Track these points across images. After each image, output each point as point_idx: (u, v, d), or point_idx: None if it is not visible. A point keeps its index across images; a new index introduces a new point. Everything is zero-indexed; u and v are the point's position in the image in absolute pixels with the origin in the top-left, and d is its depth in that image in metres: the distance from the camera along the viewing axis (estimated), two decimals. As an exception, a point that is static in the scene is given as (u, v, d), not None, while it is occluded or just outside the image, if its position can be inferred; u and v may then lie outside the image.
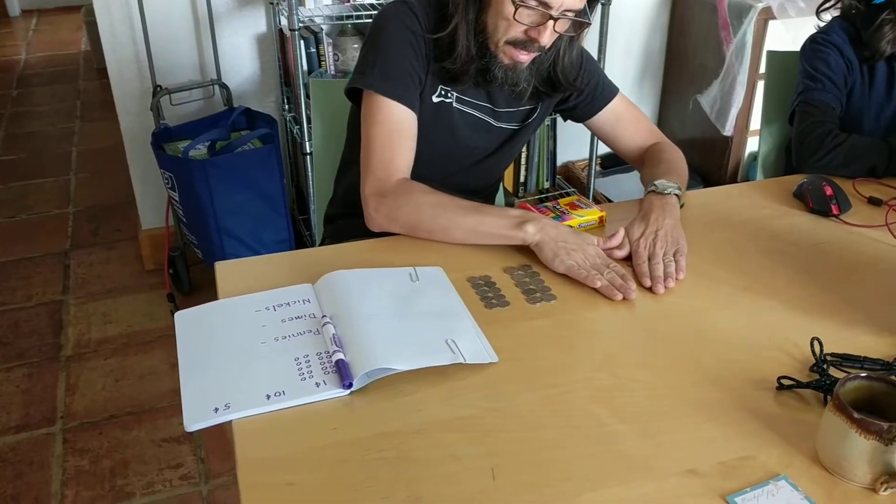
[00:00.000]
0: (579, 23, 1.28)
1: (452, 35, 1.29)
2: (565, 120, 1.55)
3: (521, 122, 1.46)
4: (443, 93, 1.37)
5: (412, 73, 1.31)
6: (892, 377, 0.88)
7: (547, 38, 1.25)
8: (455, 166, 1.46)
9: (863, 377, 0.88)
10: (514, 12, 1.22)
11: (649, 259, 1.21)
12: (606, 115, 1.50)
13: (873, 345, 1.06)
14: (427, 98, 1.36)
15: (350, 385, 0.95)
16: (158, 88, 2.41)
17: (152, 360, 2.31)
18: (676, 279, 1.19)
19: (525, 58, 1.29)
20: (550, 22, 1.23)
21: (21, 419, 2.09)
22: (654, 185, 1.33)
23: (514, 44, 1.27)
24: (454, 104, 1.39)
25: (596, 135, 1.55)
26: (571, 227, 1.27)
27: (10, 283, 2.69)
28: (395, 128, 1.30)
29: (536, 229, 1.21)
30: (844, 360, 1.02)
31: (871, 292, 1.18)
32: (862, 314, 1.13)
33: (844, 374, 0.94)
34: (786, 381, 0.98)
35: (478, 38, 1.30)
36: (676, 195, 1.32)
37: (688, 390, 0.98)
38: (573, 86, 1.42)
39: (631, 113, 1.52)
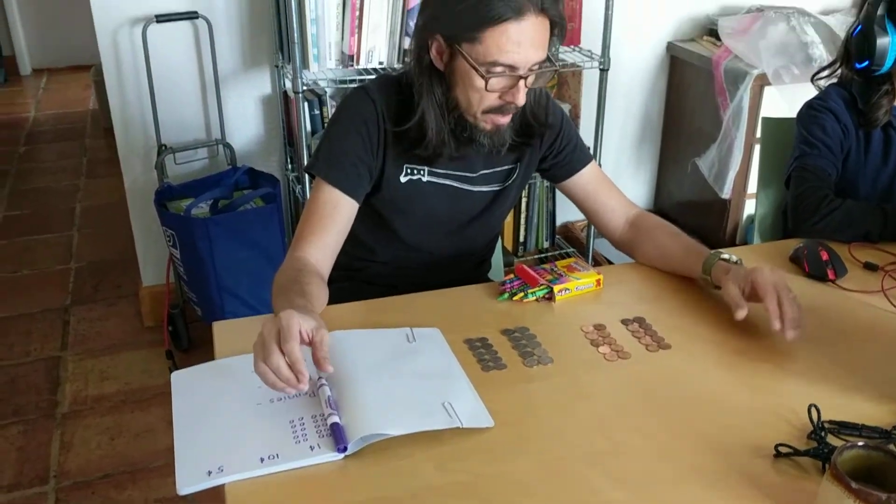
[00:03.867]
0: (547, 70, 1.30)
1: (420, 122, 1.31)
2: (544, 180, 1.56)
3: (501, 183, 1.48)
4: (409, 171, 1.39)
5: (357, 162, 1.34)
6: (891, 446, 0.88)
7: (522, 98, 1.26)
8: (440, 235, 1.48)
9: (860, 446, 0.88)
10: (486, 84, 1.24)
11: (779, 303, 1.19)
12: (584, 178, 1.51)
13: (871, 412, 1.05)
14: (394, 180, 1.39)
15: (345, 449, 0.95)
16: (163, 147, 2.45)
17: (149, 418, 2.29)
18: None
19: (505, 120, 1.31)
20: (521, 81, 1.25)
21: (14, 478, 2.07)
22: (722, 255, 1.32)
23: (492, 111, 1.29)
24: (425, 178, 1.41)
25: (573, 199, 1.54)
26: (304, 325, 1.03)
27: (8, 339, 2.68)
28: (321, 210, 1.33)
29: (272, 322, 1.02)
30: (842, 427, 1.02)
31: (868, 358, 1.18)
32: (859, 380, 1.12)
33: (842, 442, 0.94)
34: (783, 449, 0.97)
35: (452, 114, 1.32)
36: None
37: (684, 455, 0.97)
38: (545, 125, 1.42)
39: (608, 181, 1.54)
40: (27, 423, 2.27)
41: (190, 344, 2.58)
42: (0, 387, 2.43)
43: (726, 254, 1.33)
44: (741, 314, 1.20)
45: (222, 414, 1.02)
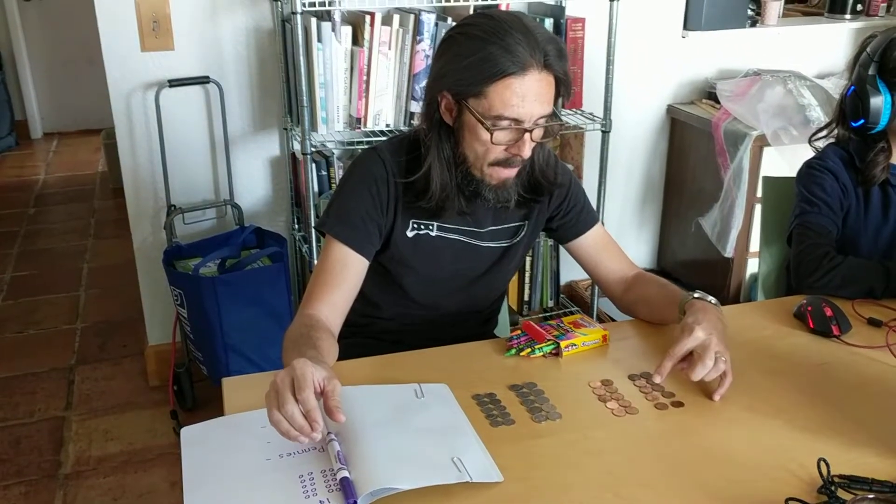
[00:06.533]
0: (553, 125, 1.33)
1: (426, 176, 1.35)
2: (549, 238, 1.59)
3: (509, 240, 1.50)
4: (416, 226, 1.42)
5: (367, 220, 1.37)
6: (900, 499, 0.88)
7: (527, 150, 1.30)
8: (447, 291, 1.49)
9: (871, 499, 0.88)
10: (491, 137, 1.28)
11: (700, 360, 1.20)
12: (589, 240, 1.54)
13: (880, 466, 1.05)
14: (400, 236, 1.41)
15: (354, 503, 0.95)
16: (172, 208, 2.48)
17: (152, 479, 2.27)
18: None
19: (510, 174, 1.34)
20: (527, 135, 1.28)
21: (14, 540, 2.04)
22: (696, 293, 1.33)
23: (498, 164, 1.32)
24: (433, 233, 1.43)
25: (578, 259, 1.57)
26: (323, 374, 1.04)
27: (13, 399, 2.68)
28: (331, 267, 1.36)
29: (286, 372, 1.04)
30: (852, 482, 1.01)
31: (874, 413, 1.18)
32: (867, 435, 1.12)
33: (853, 496, 0.94)
34: None
35: (460, 168, 1.35)
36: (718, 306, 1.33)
37: (695, 511, 0.97)
38: (554, 184, 1.45)
39: (613, 242, 1.57)
40: (29, 483, 2.26)
41: (195, 403, 2.57)
42: (4, 447, 2.41)
43: (699, 293, 1.33)
44: (656, 378, 1.23)
45: (232, 469, 1.02)
